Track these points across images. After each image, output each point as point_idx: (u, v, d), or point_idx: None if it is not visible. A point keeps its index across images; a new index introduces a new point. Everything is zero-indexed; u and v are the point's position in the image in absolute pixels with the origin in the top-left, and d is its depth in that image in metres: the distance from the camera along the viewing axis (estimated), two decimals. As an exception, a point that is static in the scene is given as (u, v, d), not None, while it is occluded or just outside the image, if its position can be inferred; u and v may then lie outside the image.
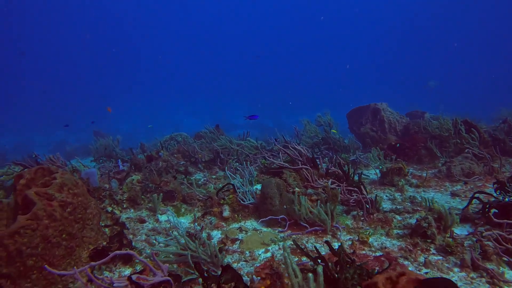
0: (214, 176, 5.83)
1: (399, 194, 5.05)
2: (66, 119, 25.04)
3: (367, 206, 4.16)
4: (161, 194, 4.41)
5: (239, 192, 4.31)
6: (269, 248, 3.51)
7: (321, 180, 4.55)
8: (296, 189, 4.30)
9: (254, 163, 6.45)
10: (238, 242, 3.63)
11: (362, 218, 4.16)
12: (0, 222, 3.41)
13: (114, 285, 2.22)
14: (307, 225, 3.86)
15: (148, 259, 3.28)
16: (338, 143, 7.78)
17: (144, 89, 47.12)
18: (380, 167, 6.05)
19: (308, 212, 3.87)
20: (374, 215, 4.20)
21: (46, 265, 2.28)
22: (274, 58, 60.83)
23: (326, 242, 2.86)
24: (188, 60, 59.48)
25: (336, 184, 4.42)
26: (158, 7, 55.55)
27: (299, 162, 4.65)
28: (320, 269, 2.21)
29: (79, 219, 3.17)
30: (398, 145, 6.88)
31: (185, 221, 4.23)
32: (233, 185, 4.41)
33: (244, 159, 6.58)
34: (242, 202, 4.23)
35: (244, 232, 3.84)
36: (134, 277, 2.29)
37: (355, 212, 4.28)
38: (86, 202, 3.26)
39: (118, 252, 2.43)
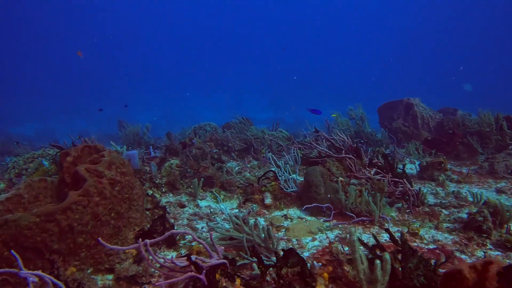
0: (249, 165, 5.72)
1: (441, 188, 4.87)
2: (85, 109, 25.36)
3: (413, 198, 4.01)
4: (202, 179, 4.32)
5: (282, 180, 4.18)
6: (316, 236, 3.38)
7: (365, 171, 4.40)
8: (340, 178, 4.16)
9: (288, 153, 6.34)
10: (283, 229, 3.52)
11: (407, 211, 4.00)
12: (44, 200, 3.36)
13: (175, 263, 2.12)
14: (353, 215, 3.73)
15: (195, 243, 3.19)
16: (370, 137, 7.61)
17: (164, 83, 47.14)
18: (417, 162, 5.88)
19: (356, 202, 3.74)
20: (419, 208, 4.04)
21: (99, 238, 2.19)
22: (296, 51, 60.25)
23: (387, 229, 2.73)
24: (208, 54, 59.23)
25: (381, 175, 4.27)
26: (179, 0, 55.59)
27: (342, 151, 4.51)
28: (387, 256, 2.09)
29: (126, 199, 3.09)
30: (445, 136, 6.68)
31: (225, 208, 4.13)
32: (274, 172, 4.29)
33: (277, 149, 6.47)
34: (285, 189, 4.11)
35: (289, 220, 3.73)
36: (193, 257, 2.19)
37: (399, 204, 4.14)
38: (132, 182, 3.17)
39: (175, 231, 2.33)
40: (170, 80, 48.96)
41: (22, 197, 3.20)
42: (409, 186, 4.10)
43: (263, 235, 2.79)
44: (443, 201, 4.29)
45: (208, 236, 3.24)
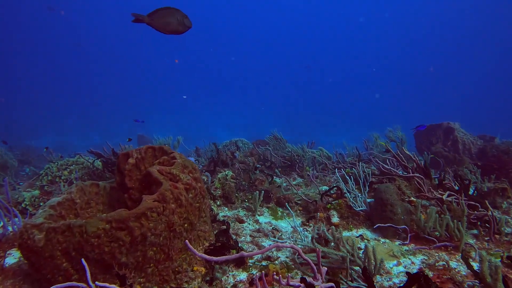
0: (294, 182, 5.38)
1: (508, 217, 4.48)
2: (103, 124, 25.27)
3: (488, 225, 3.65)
4: (263, 192, 3.98)
5: (351, 197, 3.83)
6: (401, 261, 3.01)
7: (435, 192, 4.05)
8: (412, 198, 3.80)
9: (333, 172, 6.02)
10: (361, 251, 3.15)
11: (487, 238, 3.62)
12: (96, 208, 3.04)
13: (290, 284, 1.78)
14: (434, 239, 3.36)
15: (271, 263, 2.83)
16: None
17: (181, 102, 47.16)
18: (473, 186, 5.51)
19: (438, 226, 3.38)
20: (499, 236, 3.66)
21: (187, 241, 1.85)
22: (316, 73, 60.26)
23: (509, 257, 2.35)
24: (227, 75, 59.38)
25: (454, 197, 3.90)
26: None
27: (410, 170, 4.17)
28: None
29: (198, 209, 2.75)
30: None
31: (286, 226, 3.77)
32: (340, 188, 3.94)
33: (320, 167, 6.13)
34: (354, 208, 3.75)
35: (366, 241, 3.35)
36: (308, 279, 1.85)
37: (474, 231, 3.75)
38: (204, 190, 2.84)
39: (276, 245, 1.98)
40: (186, 99, 49.02)
41: (74, 202, 2.88)
42: (491, 211, 3.73)
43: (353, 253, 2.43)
44: (519, 230, 3.90)
45: (279, 255, 2.90)
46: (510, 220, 4.36)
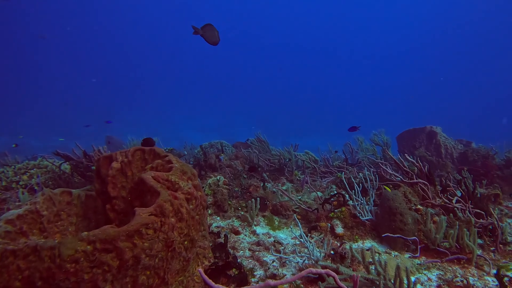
0: (284, 187, 5.06)
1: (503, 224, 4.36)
2: (63, 126, 24.01)
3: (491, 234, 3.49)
4: (258, 200, 3.61)
5: (357, 205, 3.54)
6: (417, 277, 2.76)
7: (444, 198, 3.84)
8: (419, 206, 3.57)
9: (323, 177, 5.76)
10: (372, 266, 2.86)
11: (492, 248, 3.44)
12: (67, 220, 2.55)
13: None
14: (446, 251, 3.12)
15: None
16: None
17: (151, 102, 45.62)
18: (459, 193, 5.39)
19: (449, 237, 3.15)
20: (505, 246, 3.50)
21: (200, 270, 1.49)
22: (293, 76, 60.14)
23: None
24: (198, 75, 58.02)
25: (461, 204, 3.70)
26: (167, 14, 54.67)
27: (414, 176, 3.94)
28: None
29: (198, 222, 2.35)
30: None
31: (285, 237, 3.43)
32: (343, 195, 3.65)
33: (310, 172, 5.86)
34: (361, 218, 3.46)
35: (377, 254, 3.07)
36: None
37: (479, 240, 3.57)
38: (205, 199, 2.45)
39: (306, 272, 1.63)
40: (156, 99, 47.55)
41: (40, 214, 2.37)
42: (496, 219, 3.55)
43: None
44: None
45: (284, 272, 2.56)
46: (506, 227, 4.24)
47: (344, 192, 3.90)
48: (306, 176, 5.17)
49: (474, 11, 44.56)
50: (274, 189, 4.24)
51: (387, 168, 4.14)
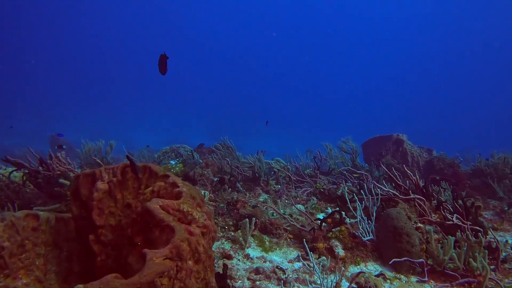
0: (261, 199, 4.69)
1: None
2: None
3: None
4: (254, 220, 3.19)
5: (360, 224, 3.24)
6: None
7: (434, 215, 3.65)
8: (420, 224, 3.34)
9: (297, 186, 5.45)
10: (385, 295, 2.57)
11: (492, 267, 3.29)
12: (33, 251, 2.00)
13: None
14: (455, 274, 2.91)
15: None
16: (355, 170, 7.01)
17: (97, 100, 42.93)
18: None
19: (457, 258, 2.94)
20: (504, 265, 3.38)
21: None
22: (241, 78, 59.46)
23: None
24: (147, 73, 55.45)
25: (461, 221, 3.53)
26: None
27: (410, 191, 3.72)
28: None
29: (210, 257, 1.91)
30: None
31: (279, 260, 3.05)
32: (340, 213, 3.33)
33: (285, 181, 5.53)
34: (362, 238, 3.16)
35: (388, 281, 2.78)
36: None
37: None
38: (216, 229, 2.01)
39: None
40: (102, 96, 44.92)
41: (0, 246, 1.85)
42: (496, 239, 3.40)
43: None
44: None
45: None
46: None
47: (338, 208, 3.59)
48: (284, 187, 4.85)
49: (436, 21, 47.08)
50: (259, 205, 3.88)
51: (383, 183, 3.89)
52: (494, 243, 3.44)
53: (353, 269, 2.99)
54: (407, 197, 3.63)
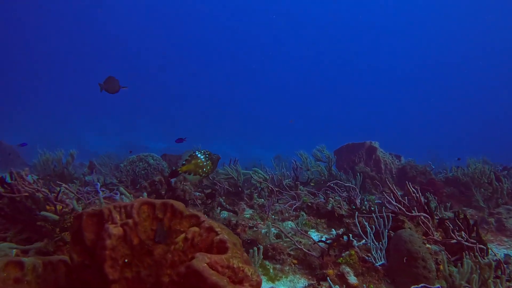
0: (247, 215, 4.39)
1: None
2: None
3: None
4: (261, 247, 2.87)
5: (373, 248, 3.01)
6: None
7: (436, 232, 3.52)
8: (428, 245, 3.19)
9: (278, 198, 5.19)
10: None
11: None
12: None
13: None
14: (472, 301, 2.77)
15: None
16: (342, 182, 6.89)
17: (43, 101, 40.09)
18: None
19: (472, 282, 2.80)
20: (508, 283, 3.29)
21: None
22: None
23: None
24: (97, 70, 52.71)
25: (468, 241, 3.41)
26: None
27: (409, 208, 3.56)
28: None
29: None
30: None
31: (287, 290, 2.77)
32: (348, 235, 3.10)
33: (267, 195, 5.24)
34: (374, 263, 2.94)
35: (410, 313, 2.57)
36: None
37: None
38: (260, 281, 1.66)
39: None
40: (49, 99, 42.06)
41: None
42: (496, 255, 3.33)
43: None
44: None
45: None
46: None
47: (341, 232, 3.37)
48: (271, 202, 4.58)
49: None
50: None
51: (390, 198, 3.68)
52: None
53: (367, 298, 2.77)
54: (412, 214, 3.47)
